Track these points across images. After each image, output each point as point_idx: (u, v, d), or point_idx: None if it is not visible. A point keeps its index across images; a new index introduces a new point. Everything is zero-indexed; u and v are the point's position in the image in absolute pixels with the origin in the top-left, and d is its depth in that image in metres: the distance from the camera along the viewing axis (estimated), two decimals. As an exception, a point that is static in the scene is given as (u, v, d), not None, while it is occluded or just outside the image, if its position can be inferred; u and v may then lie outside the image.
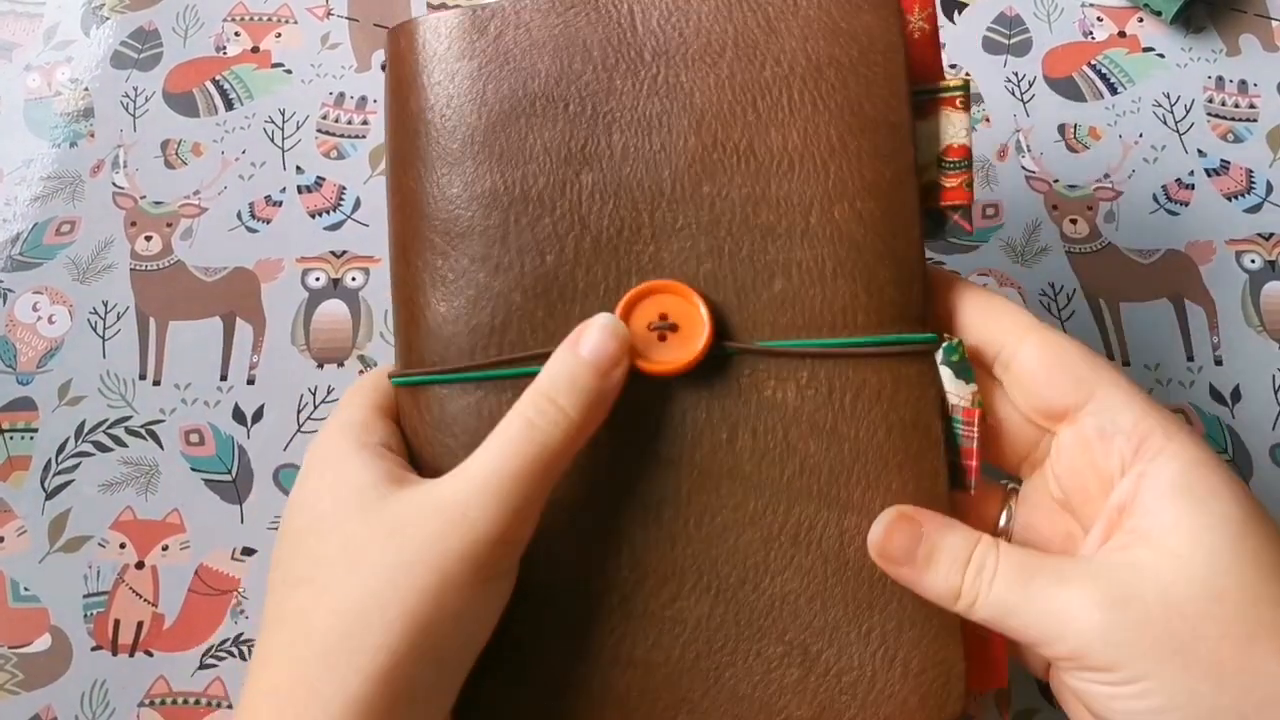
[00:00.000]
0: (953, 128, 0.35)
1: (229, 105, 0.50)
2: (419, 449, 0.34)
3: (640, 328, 0.32)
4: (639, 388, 0.33)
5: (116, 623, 0.41)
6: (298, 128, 0.50)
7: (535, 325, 0.33)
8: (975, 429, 0.33)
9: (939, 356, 0.33)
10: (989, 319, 0.34)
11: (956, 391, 0.33)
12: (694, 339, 0.32)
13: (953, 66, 0.52)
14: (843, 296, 0.33)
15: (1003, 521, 0.35)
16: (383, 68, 0.40)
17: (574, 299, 0.33)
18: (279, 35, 0.52)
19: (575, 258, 0.34)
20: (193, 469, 0.43)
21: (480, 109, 0.35)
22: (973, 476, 0.33)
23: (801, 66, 0.34)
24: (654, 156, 0.34)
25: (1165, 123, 0.50)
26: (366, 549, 0.30)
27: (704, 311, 0.32)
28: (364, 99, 0.50)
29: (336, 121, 0.50)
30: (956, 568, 0.30)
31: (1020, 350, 0.33)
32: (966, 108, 0.34)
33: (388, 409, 0.35)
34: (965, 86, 0.35)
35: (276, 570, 0.33)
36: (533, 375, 0.32)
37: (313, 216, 0.48)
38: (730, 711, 0.32)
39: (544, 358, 0.32)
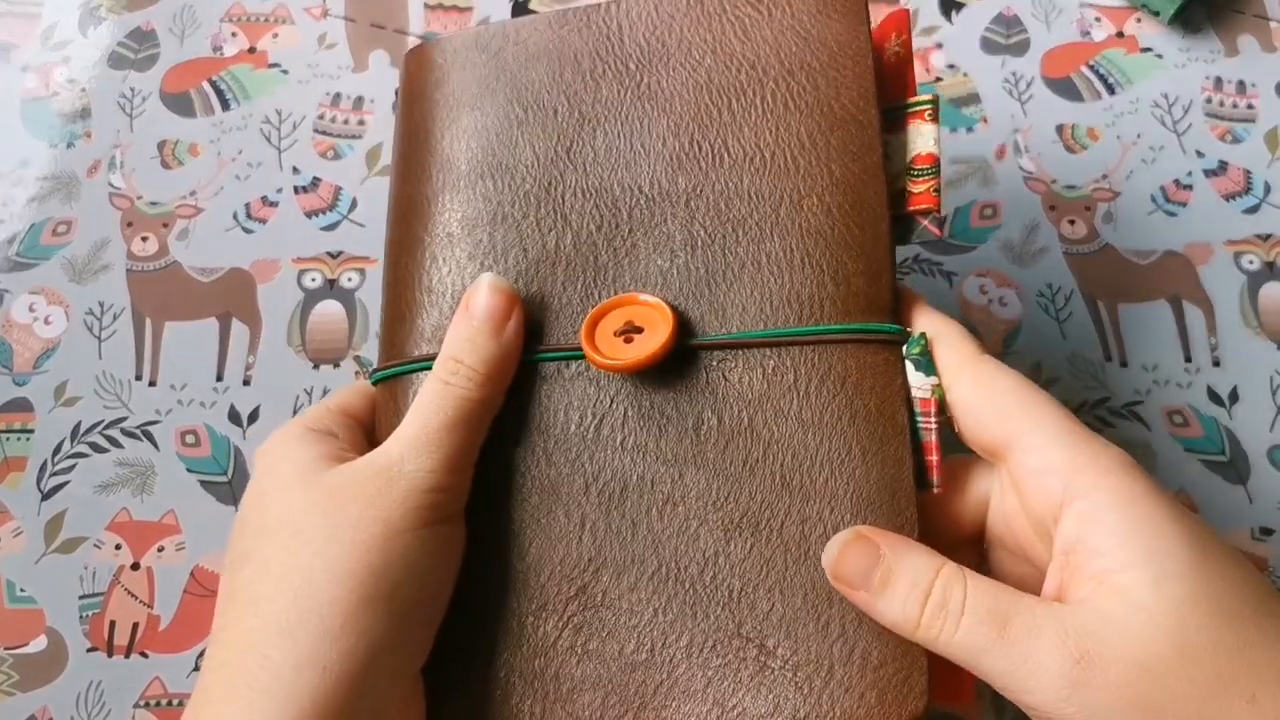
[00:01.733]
0: (921, 138, 0.36)
1: (225, 106, 0.50)
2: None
3: (607, 335, 0.34)
4: (616, 385, 0.34)
5: (112, 624, 0.41)
6: (294, 128, 0.50)
7: None
8: (934, 420, 0.33)
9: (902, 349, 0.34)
10: (935, 349, 0.34)
11: (917, 384, 0.33)
12: (656, 337, 0.33)
13: (950, 67, 0.51)
14: (810, 286, 0.34)
15: (992, 495, 0.33)
16: (396, 93, 0.41)
17: (554, 289, 0.35)
18: (276, 35, 0.52)
19: (556, 253, 0.35)
20: (188, 470, 0.43)
21: (479, 119, 0.37)
22: (935, 474, 0.33)
23: (775, 69, 0.36)
24: (634, 157, 0.36)
25: (1163, 123, 0.50)
26: (307, 515, 0.31)
27: (667, 313, 0.33)
28: (360, 99, 0.50)
29: (333, 122, 0.50)
30: (916, 596, 0.29)
31: (954, 386, 0.33)
32: (935, 119, 0.36)
33: (343, 409, 0.36)
34: (935, 101, 0.36)
35: (227, 554, 0.33)
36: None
37: (309, 217, 0.48)
38: (681, 709, 0.32)
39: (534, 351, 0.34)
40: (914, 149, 0.37)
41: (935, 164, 0.36)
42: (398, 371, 0.35)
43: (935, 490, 0.33)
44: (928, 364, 0.33)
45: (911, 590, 0.29)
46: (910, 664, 0.31)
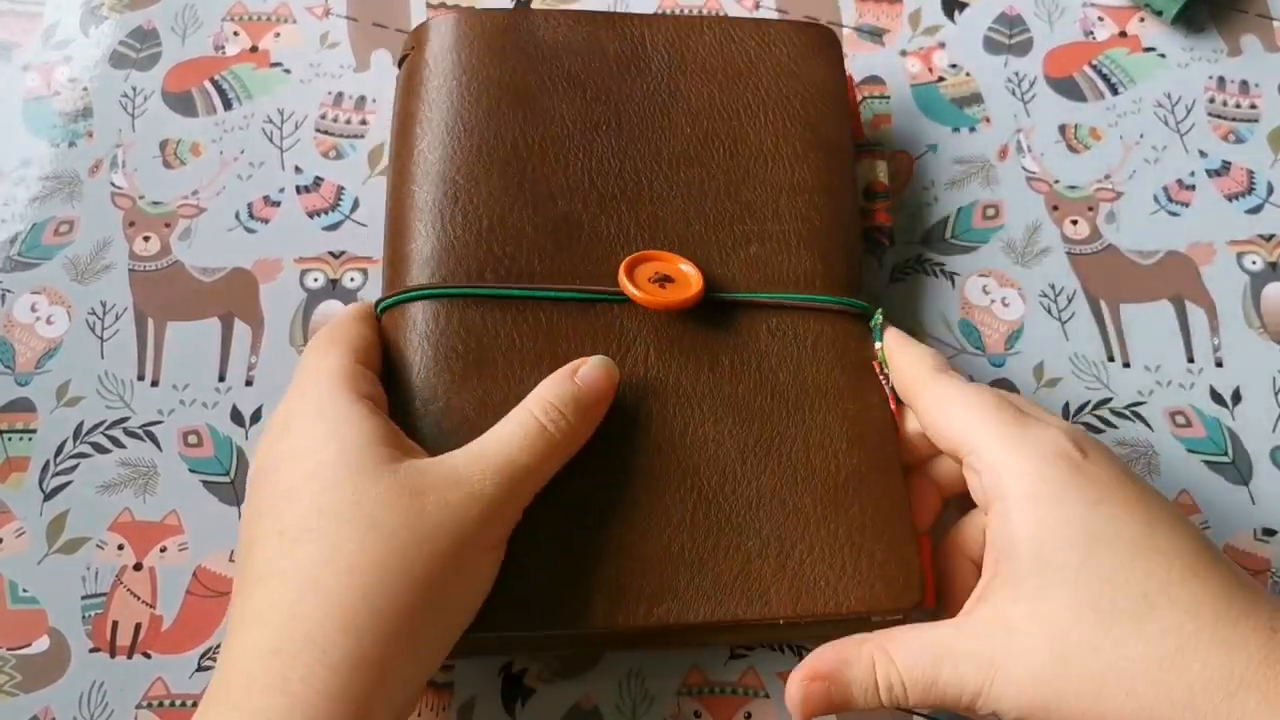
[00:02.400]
0: (876, 170, 0.47)
1: (227, 105, 0.50)
2: (408, 362, 0.38)
3: (644, 279, 0.39)
4: (637, 321, 0.39)
5: (115, 624, 0.41)
6: (296, 127, 0.50)
7: (544, 256, 0.39)
8: (883, 375, 0.40)
9: None
10: (897, 370, 0.39)
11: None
12: (688, 286, 0.39)
13: (953, 66, 0.51)
14: (804, 263, 0.41)
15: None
16: (399, 64, 0.45)
17: (580, 239, 0.40)
18: (278, 35, 0.52)
19: (584, 207, 0.41)
20: (191, 470, 0.43)
21: (513, 79, 0.42)
22: (896, 417, 0.40)
23: (775, 94, 0.44)
24: (656, 139, 0.42)
25: (1166, 123, 0.50)
26: (385, 508, 0.31)
27: (693, 270, 0.39)
28: (363, 99, 0.50)
29: (335, 121, 0.50)
30: (870, 696, 0.33)
31: (916, 403, 0.38)
32: (884, 157, 0.47)
33: (364, 358, 0.36)
34: (881, 143, 0.48)
35: (265, 520, 0.32)
36: (538, 299, 0.38)
37: (311, 217, 0.48)
38: (713, 598, 0.36)
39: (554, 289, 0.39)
40: (871, 178, 0.46)
41: (886, 190, 0.46)
42: (439, 294, 0.38)
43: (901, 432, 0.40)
44: (880, 335, 0.41)
45: (865, 694, 0.33)
46: (908, 563, 0.37)
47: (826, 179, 0.42)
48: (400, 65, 0.45)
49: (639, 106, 0.42)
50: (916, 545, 0.37)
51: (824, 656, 0.34)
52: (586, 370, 0.36)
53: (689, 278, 0.39)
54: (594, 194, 0.41)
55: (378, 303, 0.40)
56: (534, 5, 0.53)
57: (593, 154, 0.41)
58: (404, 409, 0.37)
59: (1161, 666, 0.29)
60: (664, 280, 0.39)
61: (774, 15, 0.53)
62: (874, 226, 0.45)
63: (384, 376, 0.38)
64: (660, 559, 0.36)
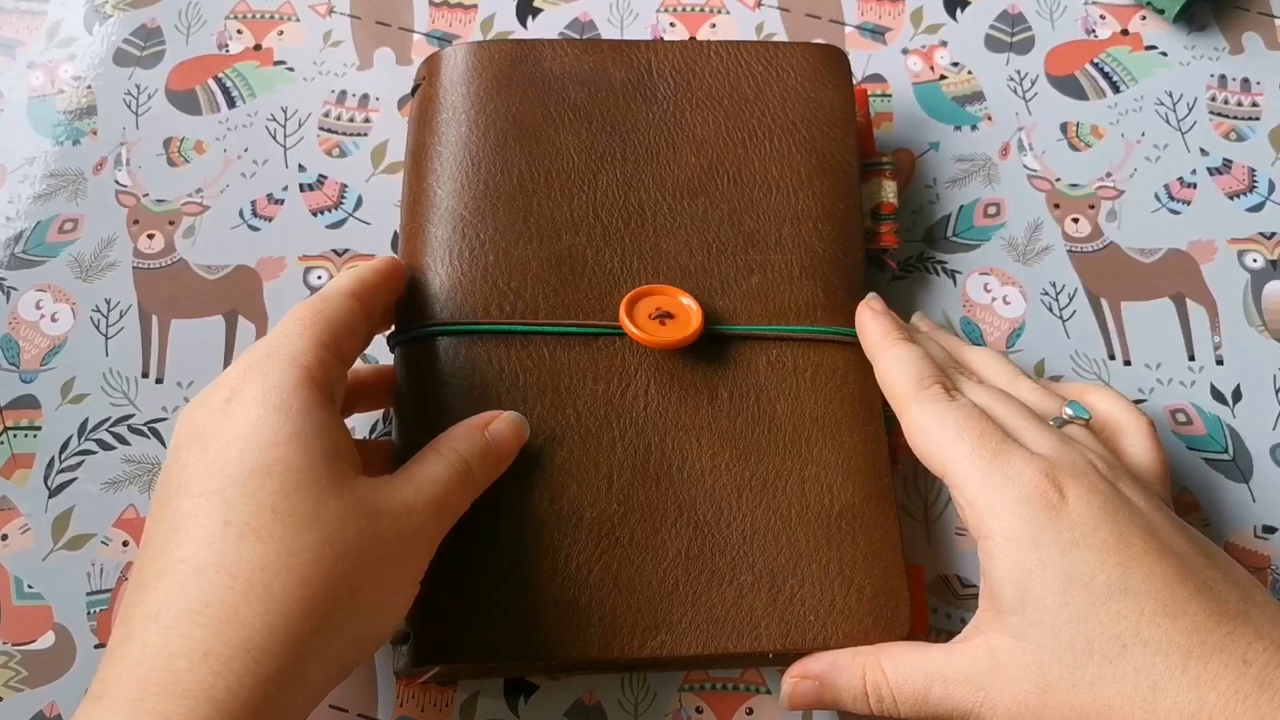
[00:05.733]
0: (884, 191, 0.46)
1: (231, 103, 0.50)
2: (414, 397, 0.39)
3: (643, 316, 0.39)
4: (638, 355, 0.39)
5: (120, 620, 0.41)
6: (299, 125, 0.50)
7: (548, 291, 0.40)
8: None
9: None
10: (880, 380, 0.39)
11: None
12: (687, 324, 0.39)
13: (955, 64, 0.52)
14: (806, 294, 0.41)
15: None
16: (413, 91, 0.45)
17: (584, 273, 0.40)
18: (281, 33, 0.52)
19: (588, 240, 0.41)
20: (195, 467, 0.43)
21: (521, 112, 0.42)
22: (898, 453, 0.41)
23: (781, 119, 0.44)
24: (661, 169, 0.42)
25: (1168, 121, 0.50)
26: (342, 524, 0.31)
27: (694, 305, 0.39)
28: (366, 97, 0.50)
29: (338, 119, 0.50)
30: (860, 703, 0.35)
31: (902, 422, 0.37)
32: (894, 177, 0.46)
33: (342, 345, 0.35)
34: (893, 163, 0.46)
35: (204, 499, 0.30)
36: (541, 334, 0.39)
37: (315, 215, 0.48)
38: (706, 631, 0.37)
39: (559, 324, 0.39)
40: (879, 198, 0.45)
41: (894, 212, 0.45)
42: (446, 331, 0.39)
43: (898, 467, 0.42)
44: None
45: (855, 700, 0.35)
46: (897, 597, 0.38)
47: (830, 205, 0.42)
48: (413, 94, 0.45)
49: (644, 136, 0.42)
50: (906, 577, 0.38)
51: (818, 659, 0.37)
52: (497, 428, 0.36)
53: (689, 313, 0.39)
54: (598, 227, 0.41)
55: (393, 332, 0.41)
56: (538, 3, 0.53)
57: (597, 186, 0.41)
58: (407, 442, 0.38)
59: (1134, 704, 0.30)
60: (664, 316, 0.39)
61: (776, 14, 0.53)
62: (880, 249, 0.45)
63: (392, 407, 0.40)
64: (656, 592, 0.37)
